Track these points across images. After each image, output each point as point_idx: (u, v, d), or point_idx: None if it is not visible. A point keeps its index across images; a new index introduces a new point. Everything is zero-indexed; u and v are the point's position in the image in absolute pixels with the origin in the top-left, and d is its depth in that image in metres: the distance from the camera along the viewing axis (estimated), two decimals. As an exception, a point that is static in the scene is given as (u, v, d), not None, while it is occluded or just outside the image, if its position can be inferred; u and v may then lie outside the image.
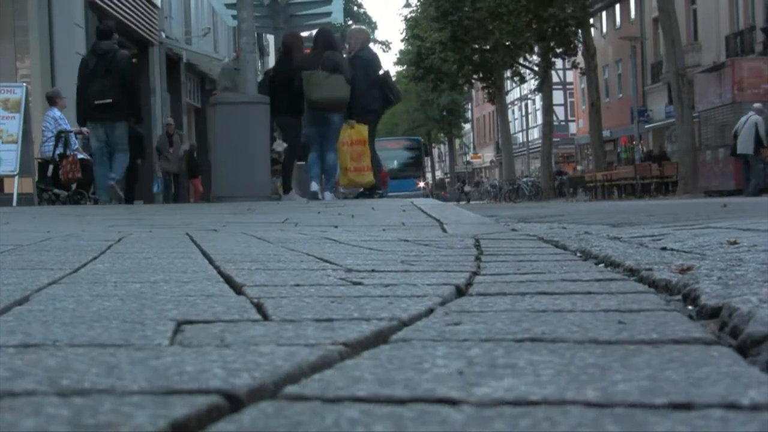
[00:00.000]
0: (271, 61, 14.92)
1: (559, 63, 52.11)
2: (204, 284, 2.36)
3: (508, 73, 52.48)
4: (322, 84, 12.11)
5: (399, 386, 1.13)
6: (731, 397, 1.06)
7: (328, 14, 17.60)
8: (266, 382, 1.14)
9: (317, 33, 13.19)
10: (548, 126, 47.03)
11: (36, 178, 14.44)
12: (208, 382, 1.15)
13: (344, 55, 12.95)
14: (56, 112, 14.81)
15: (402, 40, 73.33)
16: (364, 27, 14.33)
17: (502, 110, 55.01)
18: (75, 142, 14.80)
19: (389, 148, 44.22)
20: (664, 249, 3.38)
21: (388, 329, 1.59)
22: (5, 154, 13.49)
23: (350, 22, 63.11)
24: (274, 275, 2.59)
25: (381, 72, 13.03)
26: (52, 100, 15.09)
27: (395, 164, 43.62)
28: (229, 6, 16.46)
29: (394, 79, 13.52)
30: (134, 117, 12.77)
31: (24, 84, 14.65)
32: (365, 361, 1.31)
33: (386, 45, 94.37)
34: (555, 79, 57.33)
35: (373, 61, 12.93)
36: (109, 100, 12.10)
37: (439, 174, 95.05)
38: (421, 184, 47.45)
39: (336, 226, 5.67)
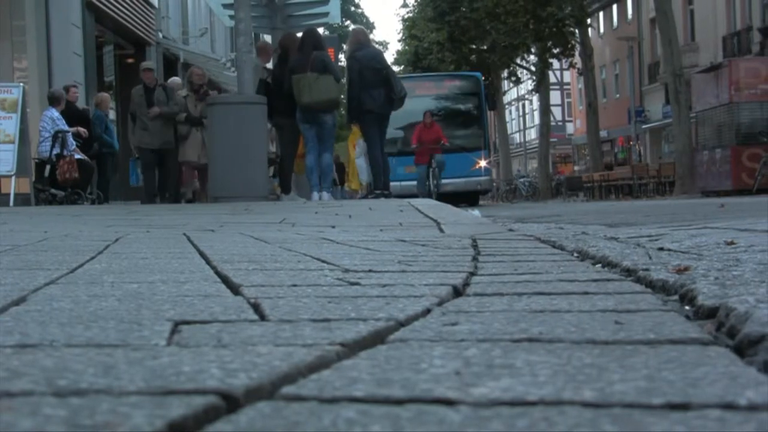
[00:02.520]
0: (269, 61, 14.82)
1: (556, 63, 52.08)
2: (201, 284, 2.36)
3: (505, 74, 52.38)
4: (312, 86, 12.10)
5: (396, 386, 1.13)
6: (728, 397, 1.07)
7: (325, 14, 17.57)
8: (263, 382, 1.14)
9: (304, 34, 13.14)
10: (545, 126, 47.01)
11: (33, 179, 14.44)
12: (206, 382, 1.14)
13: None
14: (54, 113, 14.80)
15: (399, 41, 73.17)
16: (361, 27, 14.17)
17: (499, 110, 54.94)
18: (72, 143, 14.79)
19: (422, 95, 27.49)
20: (661, 249, 3.38)
21: (385, 329, 1.59)
22: (2, 154, 13.50)
23: (347, 23, 63.12)
24: (271, 275, 2.59)
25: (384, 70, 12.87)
26: (54, 100, 15.08)
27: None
28: (226, 6, 16.44)
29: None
30: None
31: (21, 84, 14.65)
32: (362, 362, 1.31)
33: (384, 45, 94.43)
34: (552, 79, 57.29)
35: (371, 61, 12.83)
36: None
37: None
38: (483, 164, 28.38)
39: (333, 227, 5.66)
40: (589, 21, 44.53)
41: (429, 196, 18.71)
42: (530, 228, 6.21)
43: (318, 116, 12.38)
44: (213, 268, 2.83)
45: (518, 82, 53.33)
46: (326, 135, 12.60)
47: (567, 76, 70.31)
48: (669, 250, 3.34)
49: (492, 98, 35.04)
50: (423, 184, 21.19)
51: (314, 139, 12.55)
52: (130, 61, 25.20)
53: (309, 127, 12.49)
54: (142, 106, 15.08)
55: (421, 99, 26.91)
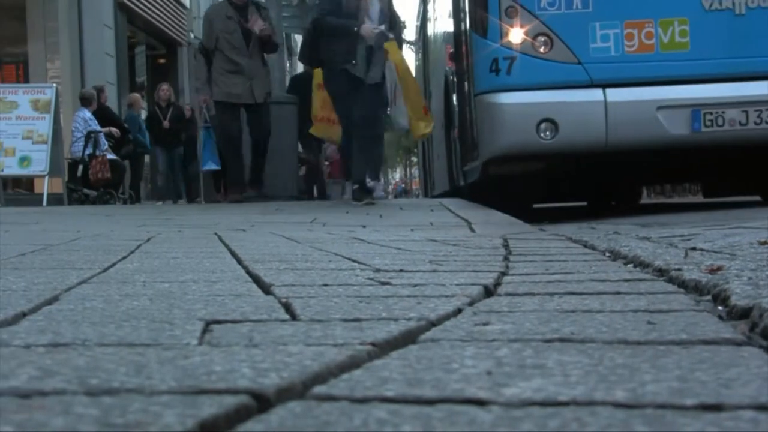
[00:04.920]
0: (299, 62, 14.70)
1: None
2: (232, 284, 2.36)
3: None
4: None
5: (427, 386, 1.13)
6: (762, 398, 1.05)
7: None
8: (294, 382, 1.14)
9: None
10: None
11: (66, 178, 14.54)
12: (237, 381, 1.15)
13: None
14: (86, 113, 14.89)
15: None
16: None
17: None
18: (104, 143, 14.88)
19: None
20: (693, 249, 3.36)
21: (416, 329, 1.59)
22: (36, 155, 13.58)
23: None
24: (302, 275, 2.59)
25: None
26: (85, 100, 15.18)
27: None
28: (257, 6, 16.49)
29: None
30: None
31: (54, 85, 14.74)
32: (393, 362, 1.31)
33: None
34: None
35: None
36: None
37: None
38: None
39: (364, 226, 5.67)
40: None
41: None
42: (561, 228, 6.19)
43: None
44: (244, 267, 2.84)
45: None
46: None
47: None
48: (702, 249, 3.32)
49: None
50: None
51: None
52: (161, 61, 25.30)
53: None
54: (234, 34, 9.36)
55: None
